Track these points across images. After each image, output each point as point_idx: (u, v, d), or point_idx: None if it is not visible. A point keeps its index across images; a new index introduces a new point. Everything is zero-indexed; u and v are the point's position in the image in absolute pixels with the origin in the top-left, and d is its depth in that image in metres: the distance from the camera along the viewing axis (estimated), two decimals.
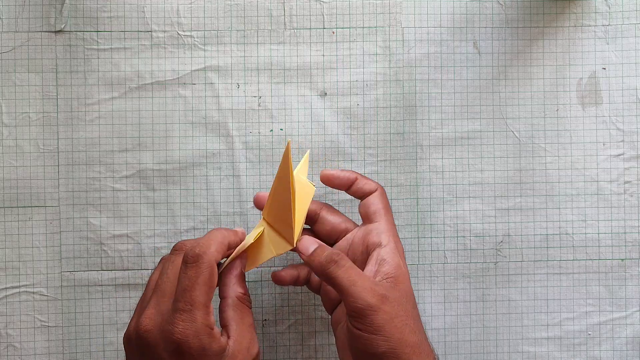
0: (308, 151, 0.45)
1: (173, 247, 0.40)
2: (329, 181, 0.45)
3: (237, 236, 0.41)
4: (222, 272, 0.41)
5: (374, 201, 0.43)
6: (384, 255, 0.41)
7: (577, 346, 0.49)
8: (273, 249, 0.42)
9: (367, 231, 0.43)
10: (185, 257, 0.38)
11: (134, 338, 0.38)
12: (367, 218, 0.44)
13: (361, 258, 0.43)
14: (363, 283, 0.39)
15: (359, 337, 0.38)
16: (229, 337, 0.38)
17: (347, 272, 0.39)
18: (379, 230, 0.42)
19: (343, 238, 0.44)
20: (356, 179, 0.44)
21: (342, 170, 0.45)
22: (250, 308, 0.40)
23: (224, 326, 0.39)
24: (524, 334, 0.49)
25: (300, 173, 0.44)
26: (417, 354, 0.39)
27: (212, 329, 0.37)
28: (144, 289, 0.48)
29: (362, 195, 0.44)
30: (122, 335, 0.48)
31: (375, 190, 0.44)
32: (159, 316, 0.37)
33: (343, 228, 0.45)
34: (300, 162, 0.44)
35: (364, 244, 0.43)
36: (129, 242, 0.49)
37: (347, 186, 0.45)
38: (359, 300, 0.38)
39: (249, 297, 0.41)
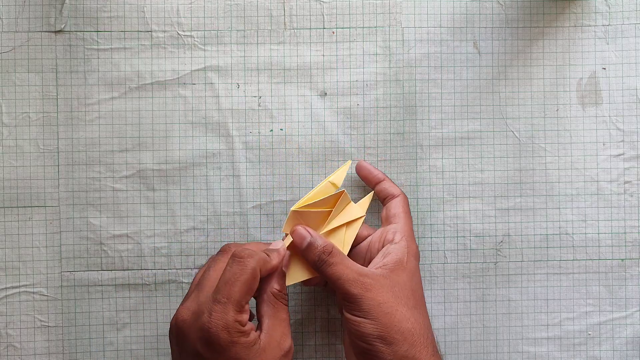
0: (349, 162, 0.48)
1: (221, 248, 0.43)
2: (361, 171, 0.48)
3: (276, 260, 0.42)
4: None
5: (396, 205, 0.46)
6: (391, 249, 0.43)
7: (577, 346, 0.49)
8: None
9: (385, 231, 0.45)
10: (235, 253, 0.40)
11: (173, 329, 0.40)
12: (387, 220, 0.46)
13: (377, 255, 0.45)
14: (348, 276, 0.41)
15: (349, 320, 0.40)
16: (261, 331, 0.40)
17: (334, 269, 0.41)
18: (395, 229, 0.45)
19: (364, 240, 0.47)
20: (384, 179, 0.47)
21: (376, 168, 0.48)
22: (287, 305, 0.42)
23: (259, 320, 0.41)
24: (524, 334, 0.49)
25: (336, 180, 0.46)
26: (410, 343, 0.40)
27: (243, 325, 0.39)
28: (144, 289, 0.48)
29: (385, 197, 0.47)
30: (122, 335, 0.48)
31: (398, 195, 0.47)
32: (196, 307, 0.39)
33: (365, 234, 0.47)
34: (339, 170, 0.47)
35: (381, 242, 0.45)
36: (129, 242, 0.49)
37: (375, 183, 0.48)
38: (344, 292, 0.40)
39: (286, 294, 0.42)
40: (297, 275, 0.44)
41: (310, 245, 0.42)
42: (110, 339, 0.48)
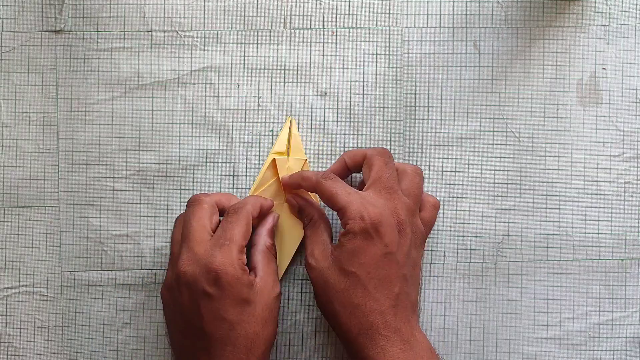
0: (289, 119, 0.49)
1: (188, 200, 0.45)
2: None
3: (268, 202, 0.47)
4: (256, 225, 0.46)
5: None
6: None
7: (577, 346, 0.49)
8: (296, 233, 0.48)
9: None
10: (228, 210, 0.44)
11: (175, 283, 0.43)
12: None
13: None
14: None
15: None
16: (256, 276, 0.44)
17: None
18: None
19: None
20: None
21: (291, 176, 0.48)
22: (276, 258, 0.46)
23: (253, 268, 0.44)
24: (524, 334, 0.49)
25: (279, 147, 0.48)
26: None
27: (245, 263, 0.43)
28: (144, 289, 0.48)
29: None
30: (122, 335, 0.48)
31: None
32: (194, 256, 0.42)
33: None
34: (279, 136, 0.49)
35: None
36: (129, 242, 0.49)
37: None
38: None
39: (275, 249, 0.46)
40: (284, 260, 0.48)
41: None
42: (110, 339, 0.48)
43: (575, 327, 0.49)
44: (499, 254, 0.49)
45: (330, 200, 0.43)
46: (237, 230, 0.43)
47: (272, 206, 0.47)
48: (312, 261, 0.44)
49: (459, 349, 0.49)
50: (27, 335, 0.48)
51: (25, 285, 0.48)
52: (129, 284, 0.48)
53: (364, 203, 0.42)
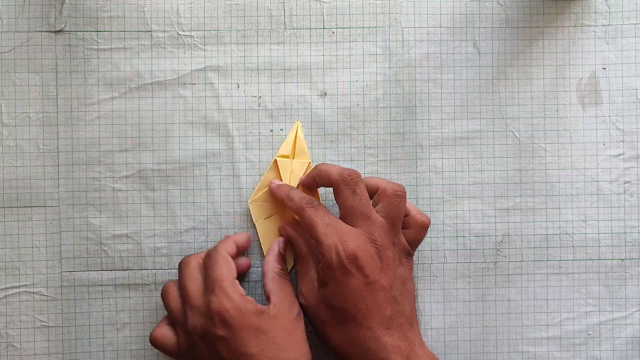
0: (297, 122, 0.49)
1: (179, 264, 0.46)
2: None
3: (240, 236, 0.47)
4: (265, 254, 0.47)
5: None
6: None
7: (577, 346, 0.49)
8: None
9: None
10: (206, 255, 0.45)
11: (191, 341, 0.43)
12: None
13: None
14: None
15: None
16: (270, 303, 0.44)
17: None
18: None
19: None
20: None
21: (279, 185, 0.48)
22: (289, 280, 0.46)
23: (267, 297, 0.44)
24: (524, 334, 0.49)
25: (283, 151, 0.49)
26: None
27: (242, 294, 0.43)
28: (143, 289, 0.48)
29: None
30: (122, 335, 0.48)
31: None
32: (196, 310, 0.43)
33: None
34: (285, 141, 0.49)
35: None
36: (129, 242, 0.49)
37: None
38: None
39: (287, 272, 0.47)
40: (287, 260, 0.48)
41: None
42: (110, 339, 0.48)
43: (575, 327, 0.49)
44: (499, 254, 0.49)
45: (308, 229, 0.44)
46: (218, 269, 0.43)
47: (245, 239, 0.47)
48: (302, 299, 0.45)
49: (459, 349, 0.49)
50: (27, 335, 0.48)
51: (25, 285, 0.48)
52: (129, 284, 0.48)
53: (340, 237, 0.42)
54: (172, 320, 0.45)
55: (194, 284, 0.44)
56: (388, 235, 0.44)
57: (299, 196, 0.45)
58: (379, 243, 0.43)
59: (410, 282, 0.45)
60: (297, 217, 0.47)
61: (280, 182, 0.48)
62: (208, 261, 0.44)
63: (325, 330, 0.43)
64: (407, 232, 0.46)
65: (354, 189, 0.44)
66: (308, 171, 0.48)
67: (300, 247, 0.47)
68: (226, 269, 0.43)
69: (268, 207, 0.48)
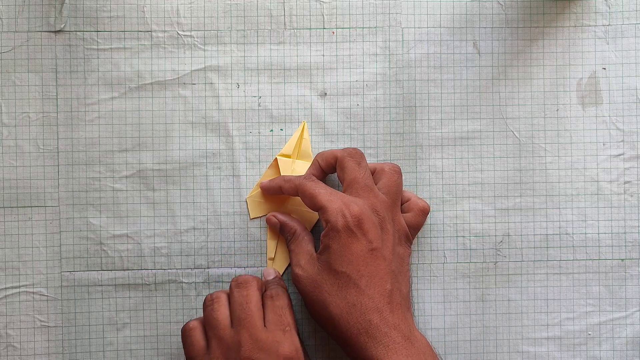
0: (303, 123, 0.49)
1: (236, 282, 0.45)
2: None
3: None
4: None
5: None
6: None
7: (577, 346, 0.49)
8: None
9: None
10: (271, 293, 0.44)
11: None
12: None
13: None
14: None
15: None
16: None
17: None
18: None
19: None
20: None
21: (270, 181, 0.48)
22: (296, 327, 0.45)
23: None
24: (524, 334, 0.49)
25: (286, 150, 0.49)
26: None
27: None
28: (143, 289, 0.48)
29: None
30: (122, 335, 0.48)
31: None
32: (259, 344, 0.42)
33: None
34: (290, 140, 0.49)
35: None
36: (129, 242, 0.49)
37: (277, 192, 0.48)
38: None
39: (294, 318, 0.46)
40: (283, 261, 0.48)
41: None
42: (110, 339, 0.48)
43: (575, 327, 0.49)
44: (499, 254, 0.49)
45: (311, 200, 0.44)
46: (291, 315, 0.44)
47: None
48: (299, 271, 0.44)
49: (459, 349, 0.49)
50: (27, 335, 0.48)
51: (25, 285, 0.48)
52: (129, 284, 0.48)
53: (345, 201, 0.43)
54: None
55: (259, 314, 0.43)
56: (389, 211, 0.44)
57: (295, 175, 0.46)
58: (381, 214, 0.44)
59: (407, 266, 0.46)
60: (294, 207, 0.48)
61: (271, 179, 0.48)
62: (279, 299, 0.44)
63: (324, 300, 0.43)
64: (407, 215, 0.46)
65: (359, 161, 0.45)
66: None
67: (294, 228, 0.47)
68: (291, 314, 0.44)
69: (265, 205, 0.48)
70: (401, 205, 0.47)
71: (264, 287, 0.46)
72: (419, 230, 0.47)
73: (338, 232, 0.42)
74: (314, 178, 0.45)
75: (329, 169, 0.47)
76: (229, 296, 0.44)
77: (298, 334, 0.44)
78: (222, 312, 0.43)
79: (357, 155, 0.45)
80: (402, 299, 0.43)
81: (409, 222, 0.46)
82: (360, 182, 0.44)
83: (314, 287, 0.43)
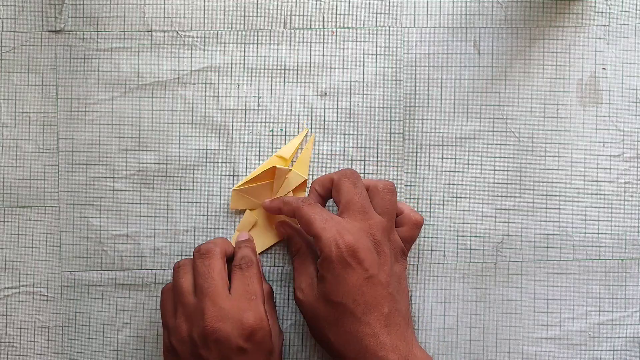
0: (305, 130, 0.49)
1: (198, 251, 0.45)
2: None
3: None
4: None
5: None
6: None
7: (577, 346, 0.49)
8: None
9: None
10: (239, 262, 0.45)
11: (198, 340, 0.42)
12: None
13: None
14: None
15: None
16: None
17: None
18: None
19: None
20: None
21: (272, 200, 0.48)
22: (273, 299, 0.47)
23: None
24: (524, 334, 0.49)
25: (285, 153, 0.48)
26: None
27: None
28: (143, 289, 0.48)
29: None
30: (122, 335, 0.48)
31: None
32: (222, 312, 0.42)
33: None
34: (291, 141, 0.49)
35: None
36: (129, 242, 0.49)
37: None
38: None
39: (272, 290, 0.47)
40: (264, 242, 0.49)
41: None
42: (110, 339, 0.48)
43: (575, 327, 0.49)
44: (499, 254, 0.49)
45: (306, 226, 0.44)
46: (258, 284, 0.44)
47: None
48: (300, 295, 0.44)
49: (459, 349, 0.49)
50: (27, 335, 0.48)
51: (25, 285, 0.48)
52: (129, 284, 0.48)
53: (339, 230, 0.42)
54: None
55: (223, 283, 0.44)
56: (385, 231, 0.44)
57: (295, 198, 0.46)
58: (377, 238, 0.43)
59: (405, 282, 0.45)
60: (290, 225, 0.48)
61: (272, 198, 0.48)
62: (249, 269, 0.45)
63: (323, 327, 0.43)
64: (401, 229, 0.46)
65: (355, 181, 0.45)
66: (302, 187, 0.48)
67: (299, 243, 0.47)
68: (259, 282, 0.45)
69: (248, 201, 0.48)
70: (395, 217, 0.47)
71: (232, 249, 0.46)
72: (413, 242, 0.47)
73: (332, 262, 0.42)
74: (312, 201, 0.45)
75: (326, 194, 0.46)
76: (193, 266, 0.45)
77: (273, 307, 0.45)
78: (187, 279, 0.44)
79: (352, 176, 0.45)
80: (400, 318, 0.43)
81: (403, 236, 0.46)
82: (357, 203, 0.44)
83: (313, 315, 0.44)
